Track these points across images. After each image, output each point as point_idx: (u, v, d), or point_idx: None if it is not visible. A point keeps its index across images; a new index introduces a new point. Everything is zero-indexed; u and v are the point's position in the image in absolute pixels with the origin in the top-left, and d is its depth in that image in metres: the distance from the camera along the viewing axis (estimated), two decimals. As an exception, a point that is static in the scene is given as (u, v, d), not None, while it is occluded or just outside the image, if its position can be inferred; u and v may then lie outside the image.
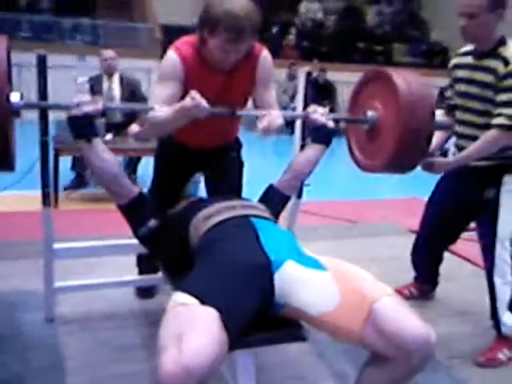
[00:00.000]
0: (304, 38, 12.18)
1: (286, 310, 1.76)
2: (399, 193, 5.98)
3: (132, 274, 2.89)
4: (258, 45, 2.31)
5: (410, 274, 3.13)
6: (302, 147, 2.57)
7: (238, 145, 2.65)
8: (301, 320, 1.78)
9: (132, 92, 5.27)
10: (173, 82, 2.20)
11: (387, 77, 2.19)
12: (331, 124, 2.27)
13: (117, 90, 5.27)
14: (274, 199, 2.25)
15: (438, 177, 2.79)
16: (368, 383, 1.71)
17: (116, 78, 5.30)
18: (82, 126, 1.98)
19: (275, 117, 2.15)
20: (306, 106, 2.51)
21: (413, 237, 4.37)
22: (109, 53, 5.25)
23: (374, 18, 13.65)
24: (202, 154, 2.52)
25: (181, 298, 1.58)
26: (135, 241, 2.54)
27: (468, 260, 3.71)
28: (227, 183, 2.58)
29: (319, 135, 2.32)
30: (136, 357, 2.41)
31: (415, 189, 5.65)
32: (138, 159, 5.40)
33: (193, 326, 1.45)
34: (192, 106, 1.98)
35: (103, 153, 2.03)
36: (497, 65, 2.35)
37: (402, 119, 2.09)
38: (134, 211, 2.12)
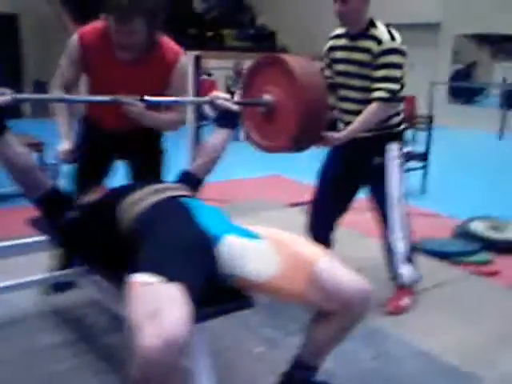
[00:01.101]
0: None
1: (232, 280, 1.81)
2: (254, 171, 6.18)
3: (27, 275, 2.67)
4: (176, 49, 2.36)
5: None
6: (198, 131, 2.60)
7: (157, 133, 2.63)
8: (248, 288, 1.83)
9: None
10: (70, 66, 2.35)
11: (281, 61, 2.25)
12: (236, 108, 2.30)
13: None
14: (190, 183, 2.23)
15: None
16: (316, 339, 1.83)
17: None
18: None
19: None
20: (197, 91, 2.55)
21: (290, 210, 4.66)
22: None
23: (200, 4, 13.80)
24: (118, 139, 2.50)
25: (141, 277, 1.54)
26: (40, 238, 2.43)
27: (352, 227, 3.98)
28: (149, 170, 2.59)
29: (225, 120, 2.34)
30: (61, 355, 2.30)
31: (271, 167, 5.94)
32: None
33: (165, 302, 1.44)
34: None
35: (16, 146, 1.92)
36: (370, 44, 2.57)
37: (302, 100, 2.18)
38: (49, 203, 2.05)
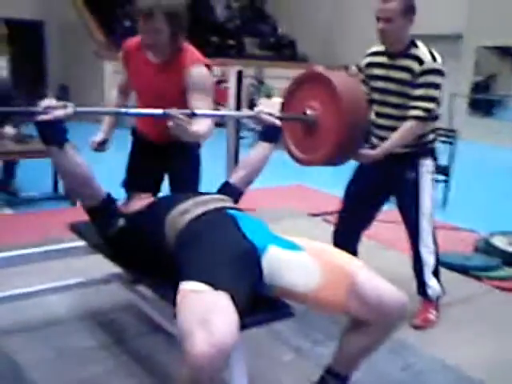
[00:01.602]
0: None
1: (274, 290, 1.89)
2: (277, 180, 6.17)
3: (64, 278, 2.77)
4: (196, 57, 2.47)
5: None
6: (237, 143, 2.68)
7: (193, 144, 2.70)
8: (287, 298, 1.91)
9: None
10: (123, 70, 2.68)
11: (324, 78, 2.31)
12: (278, 123, 2.37)
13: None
14: (231, 194, 2.31)
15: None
16: (350, 349, 1.90)
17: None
18: (54, 132, 1.93)
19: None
20: (238, 104, 2.64)
21: (312, 219, 4.73)
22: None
23: (222, 12, 13.93)
24: (159, 149, 2.65)
25: (190, 285, 1.63)
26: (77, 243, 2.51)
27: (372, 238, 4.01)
28: (187, 179, 2.71)
29: (268, 134, 2.41)
30: (97, 358, 2.39)
31: (294, 176, 5.97)
32: (16, 162, 5.14)
33: (214, 310, 1.52)
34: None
35: (75, 157, 2.00)
36: (411, 64, 2.64)
37: (345, 121, 2.24)
38: (103, 212, 2.13)
